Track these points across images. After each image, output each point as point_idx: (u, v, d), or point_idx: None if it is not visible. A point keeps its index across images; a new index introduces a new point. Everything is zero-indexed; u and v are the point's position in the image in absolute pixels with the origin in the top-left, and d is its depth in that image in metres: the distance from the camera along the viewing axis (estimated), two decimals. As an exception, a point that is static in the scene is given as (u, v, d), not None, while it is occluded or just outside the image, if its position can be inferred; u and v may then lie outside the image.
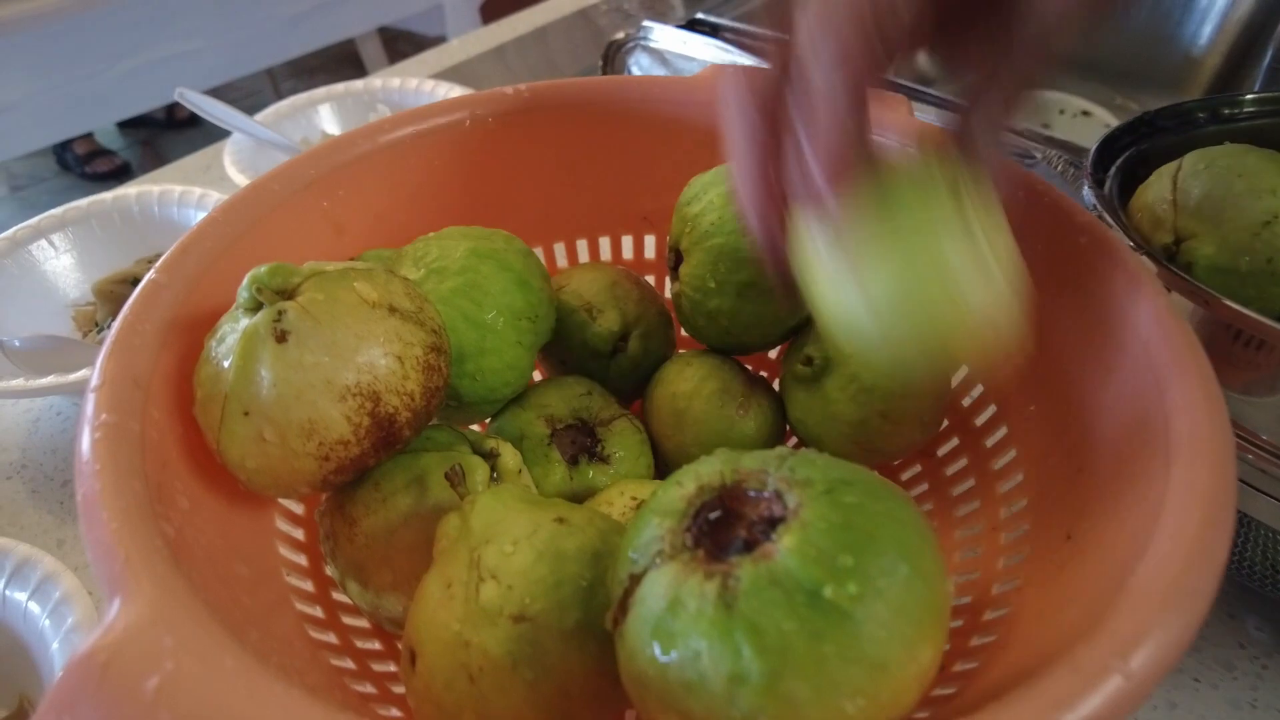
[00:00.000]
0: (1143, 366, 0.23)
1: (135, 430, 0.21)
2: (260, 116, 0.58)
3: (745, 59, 0.58)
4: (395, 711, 0.23)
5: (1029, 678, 0.16)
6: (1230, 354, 0.30)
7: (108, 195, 0.50)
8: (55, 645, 0.29)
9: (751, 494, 0.17)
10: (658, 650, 0.16)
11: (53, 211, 0.49)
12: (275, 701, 0.15)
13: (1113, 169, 0.35)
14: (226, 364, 0.22)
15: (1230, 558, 0.32)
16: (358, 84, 0.62)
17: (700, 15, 0.63)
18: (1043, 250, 0.28)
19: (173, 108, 2.59)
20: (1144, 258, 0.29)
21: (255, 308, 0.23)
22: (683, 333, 0.36)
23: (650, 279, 0.39)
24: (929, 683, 0.16)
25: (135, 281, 0.46)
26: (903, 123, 0.32)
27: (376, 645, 0.26)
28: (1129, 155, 0.36)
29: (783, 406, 0.33)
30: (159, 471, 0.21)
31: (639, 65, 0.64)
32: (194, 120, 2.72)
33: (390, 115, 0.34)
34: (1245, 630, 0.35)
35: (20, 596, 0.31)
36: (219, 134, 0.58)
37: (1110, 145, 0.36)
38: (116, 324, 0.24)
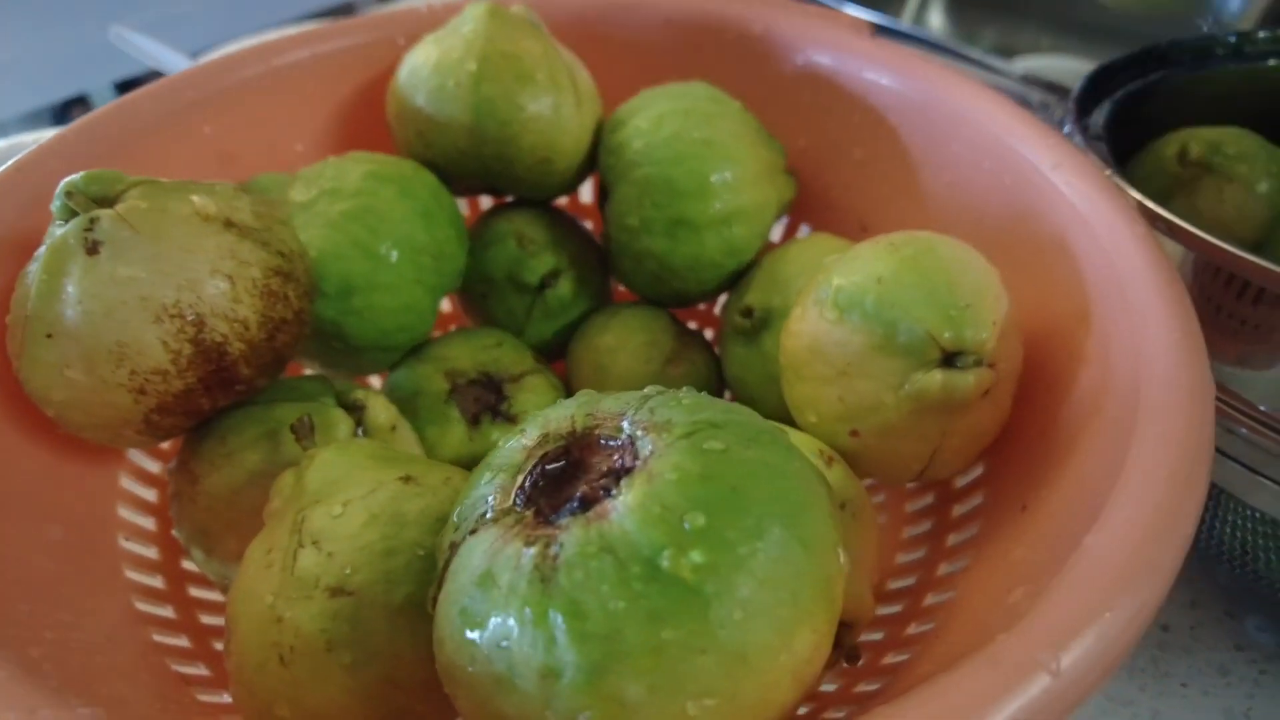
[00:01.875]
0: (1117, 310, 0.19)
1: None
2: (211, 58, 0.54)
3: None
4: (225, 697, 0.20)
5: (939, 675, 0.12)
6: (1217, 321, 0.26)
7: (28, 136, 0.47)
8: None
9: (604, 442, 0.14)
10: (466, 636, 0.13)
11: (-31, 153, 0.46)
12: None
13: (1106, 101, 0.31)
14: (31, 284, 0.19)
15: (1228, 552, 0.28)
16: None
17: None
18: (1010, 182, 0.24)
19: (173, 78, 2.56)
20: (1126, 191, 0.25)
21: (69, 218, 0.19)
22: (622, 288, 0.33)
23: (589, 224, 0.35)
24: (812, 676, 0.13)
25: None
26: (861, 46, 0.29)
27: (229, 620, 0.23)
28: (1130, 89, 0.32)
29: (719, 363, 0.29)
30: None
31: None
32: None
33: (290, 34, 0.31)
34: (1244, 631, 0.31)
35: None
36: None
37: (1107, 77, 0.32)
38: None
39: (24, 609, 0.16)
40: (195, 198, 0.20)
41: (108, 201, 0.20)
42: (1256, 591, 0.31)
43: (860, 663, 0.20)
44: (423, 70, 0.28)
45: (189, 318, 0.19)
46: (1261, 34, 0.33)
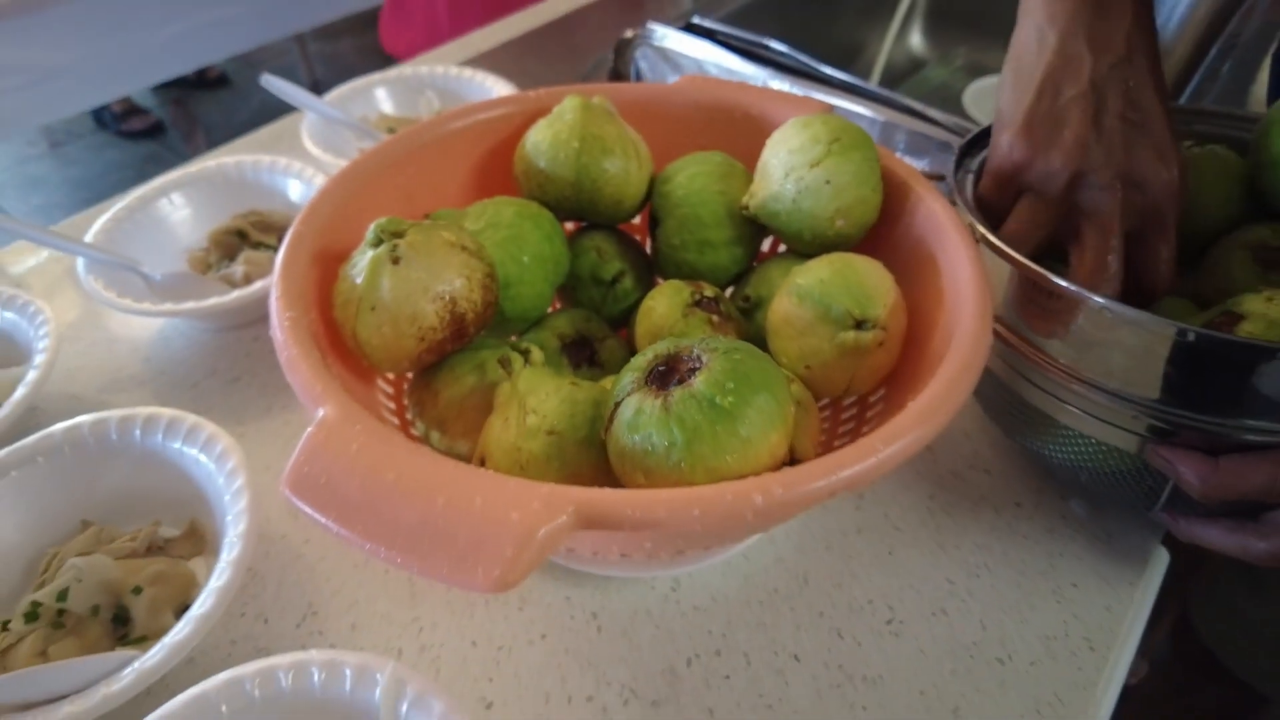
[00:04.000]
0: (954, 299, 0.36)
1: (306, 322, 0.34)
2: (328, 98, 0.70)
3: (735, 59, 0.69)
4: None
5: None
6: (1035, 304, 0.41)
7: (212, 162, 0.63)
8: (220, 481, 0.42)
9: (685, 357, 0.30)
10: (629, 436, 0.29)
11: (170, 175, 0.61)
12: (425, 456, 0.28)
13: (980, 151, 0.47)
14: (359, 279, 0.35)
15: (1053, 455, 0.44)
16: (407, 70, 0.73)
17: (696, 20, 0.74)
18: (918, 229, 0.40)
19: (205, 68, 2.70)
20: (972, 229, 0.41)
21: (378, 243, 0.35)
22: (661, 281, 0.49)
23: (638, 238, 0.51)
24: (780, 456, 0.29)
25: (239, 232, 0.58)
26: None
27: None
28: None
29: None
30: (318, 349, 0.34)
31: (645, 59, 0.76)
32: (223, 80, 2.84)
33: (441, 113, 0.47)
34: (1068, 508, 0.47)
35: (192, 450, 0.44)
36: (249, 94, 0.72)
37: (982, 136, 0.48)
38: (280, 257, 0.37)
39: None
40: (443, 233, 0.36)
41: (399, 235, 0.36)
42: (1075, 481, 0.48)
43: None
44: (542, 144, 0.43)
45: (447, 299, 0.35)
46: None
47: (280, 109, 0.72)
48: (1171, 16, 1.28)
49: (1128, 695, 0.41)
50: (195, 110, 2.63)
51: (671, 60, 0.72)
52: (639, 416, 0.29)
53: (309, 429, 0.29)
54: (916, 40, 1.52)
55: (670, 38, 0.72)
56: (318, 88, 0.74)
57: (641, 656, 0.40)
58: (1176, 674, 1.00)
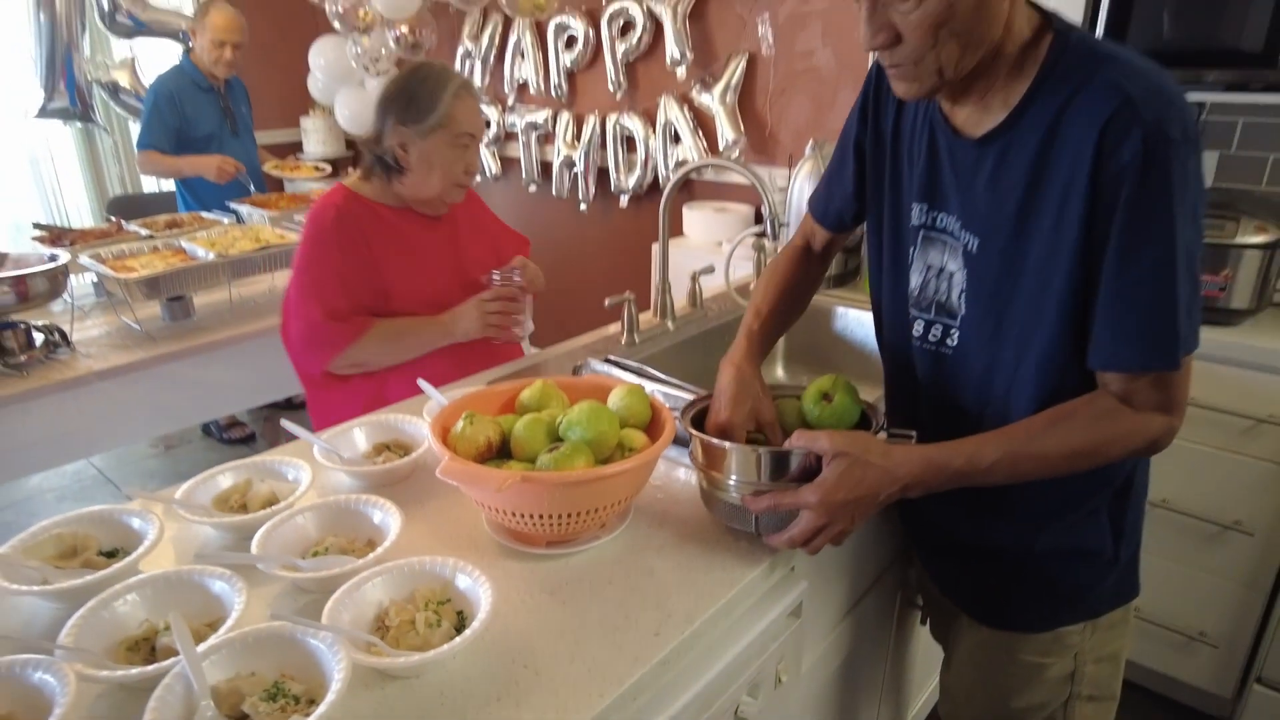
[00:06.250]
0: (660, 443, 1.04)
1: (440, 444, 1.03)
2: (446, 395, 1.44)
3: (622, 373, 1.44)
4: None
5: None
6: (708, 452, 1.10)
7: (382, 415, 1.34)
8: (389, 521, 1.06)
9: (555, 444, 0.99)
10: (543, 467, 0.96)
11: (359, 419, 1.33)
12: (481, 467, 0.95)
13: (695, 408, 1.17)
14: (458, 430, 1.04)
15: (723, 519, 1.08)
16: (485, 382, 1.49)
17: (610, 357, 1.52)
18: (659, 423, 1.11)
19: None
20: (684, 426, 1.10)
21: (465, 420, 1.05)
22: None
23: (566, 437, 1.21)
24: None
25: (388, 445, 1.30)
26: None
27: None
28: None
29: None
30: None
31: (587, 370, 1.52)
32: (304, 405, 3.73)
33: (492, 386, 1.20)
34: (739, 544, 1.09)
35: (376, 509, 1.08)
36: (332, 419, 1.44)
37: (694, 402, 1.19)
38: (429, 427, 1.07)
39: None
40: (487, 418, 1.07)
41: (473, 417, 1.06)
42: (737, 526, 1.10)
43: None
44: (526, 398, 1.16)
45: (487, 438, 1.05)
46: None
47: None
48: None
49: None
50: (280, 426, 3.45)
51: (596, 370, 1.48)
52: (545, 459, 0.96)
53: (442, 463, 0.96)
54: (779, 373, 2.31)
55: (596, 365, 1.48)
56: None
57: (554, 580, 1.00)
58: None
